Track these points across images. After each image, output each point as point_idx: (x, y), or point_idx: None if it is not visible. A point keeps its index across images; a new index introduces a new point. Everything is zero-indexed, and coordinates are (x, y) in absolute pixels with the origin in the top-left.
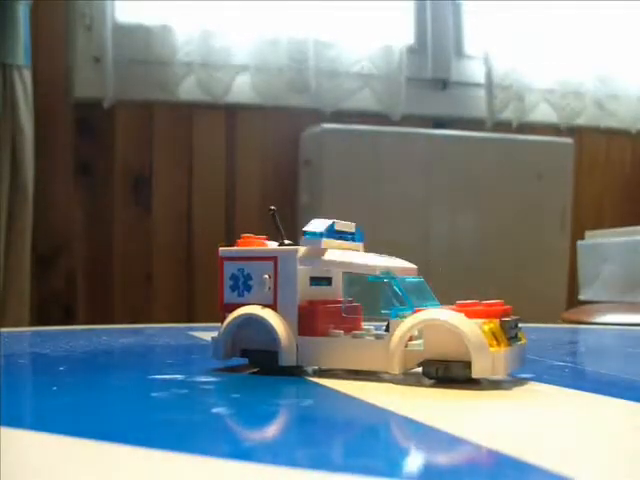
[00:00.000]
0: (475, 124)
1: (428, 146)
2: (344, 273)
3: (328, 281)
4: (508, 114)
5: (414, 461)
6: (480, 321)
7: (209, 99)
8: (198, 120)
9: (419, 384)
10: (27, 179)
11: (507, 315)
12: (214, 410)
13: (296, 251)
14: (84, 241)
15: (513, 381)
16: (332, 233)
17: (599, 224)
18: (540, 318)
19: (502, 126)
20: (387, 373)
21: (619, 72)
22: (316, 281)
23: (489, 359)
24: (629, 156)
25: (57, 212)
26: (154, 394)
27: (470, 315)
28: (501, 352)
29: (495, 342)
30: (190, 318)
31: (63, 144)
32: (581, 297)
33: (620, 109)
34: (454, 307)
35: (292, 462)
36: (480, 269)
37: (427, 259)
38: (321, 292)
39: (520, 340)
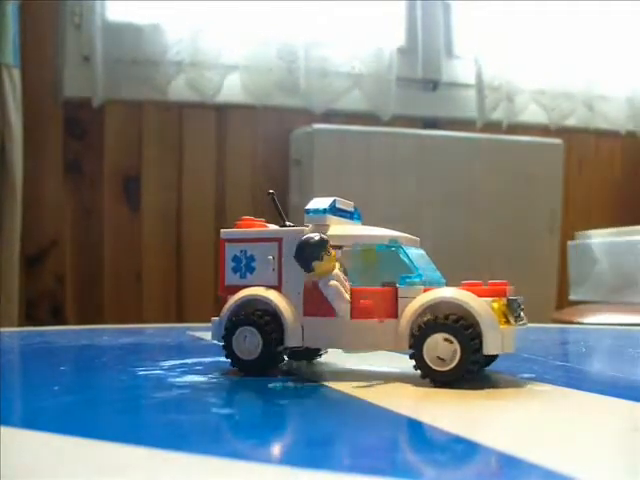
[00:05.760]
0: (465, 125)
1: (418, 146)
2: (352, 245)
3: None
4: (498, 115)
5: (415, 461)
6: (489, 299)
7: (199, 98)
8: (188, 119)
9: (420, 384)
10: (16, 178)
11: (512, 294)
12: (214, 410)
13: (302, 232)
14: (73, 240)
15: (513, 381)
16: (334, 210)
17: (589, 224)
18: (530, 318)
19: (492, 127)
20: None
21: (608, 73)
22: None
23: (499, 336)
24: (618, 157)
25: (46, 211)
26: (155, 394)
27: (479, 294)
28: (509, 329)
29: (504, 320)
30: (180, 317)
31: (52, 143)
32: (571, 297)
33: (609, 110)
34: (461, 287)
35: (292, 462)
36: (470, 269)
37: None
38: None
39: (523, 320)
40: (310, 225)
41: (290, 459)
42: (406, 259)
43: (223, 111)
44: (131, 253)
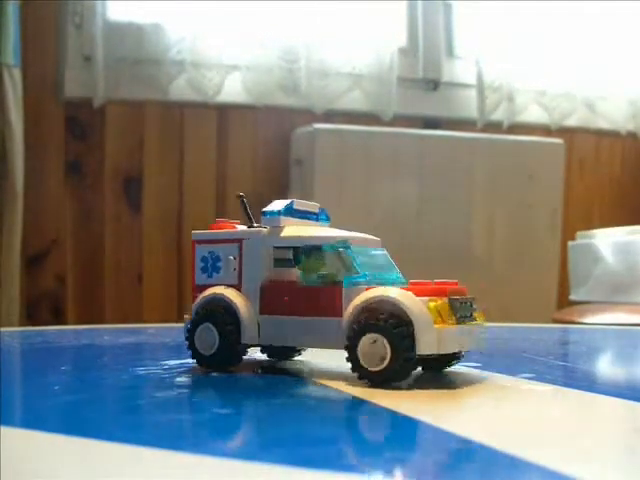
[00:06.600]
0: (466, 125)
1: (419, 146)
2: (301, 246)
3: (291, 262)
4: (499, 115)
5: (415, 459)
6: (425, 299)
7: (200, 98)
8: (189, 119)
9: (415, 384)
10: (17, 178)
11: (459, 294)
12: (214, 410)
13: (259, 233)
14: (74, 241)
15: (513, 381)
16: (291, 212)
17: (589, 224)
18: (531, 318)
19: (493, 127)
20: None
21: (609, 73)
22: (280, 262)
23: (433, 335)
24: (619, 157)
25: (47, 211)
26: (155, 394)
27: (418, 293)
28: (447, 329)
29: (440, 319)
30: (181, 317)
31: (53, 143)
32: (572, 297)
33: (610, 110)
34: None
35: (292, 462)
36: (471, 269)
37: (418, 259)
38: (284, 273)
39: (475, 320)
40: (267, 227)
41: (290, 459)
42: (350, 260)
43: (224, 111)
44: (132, 253)
